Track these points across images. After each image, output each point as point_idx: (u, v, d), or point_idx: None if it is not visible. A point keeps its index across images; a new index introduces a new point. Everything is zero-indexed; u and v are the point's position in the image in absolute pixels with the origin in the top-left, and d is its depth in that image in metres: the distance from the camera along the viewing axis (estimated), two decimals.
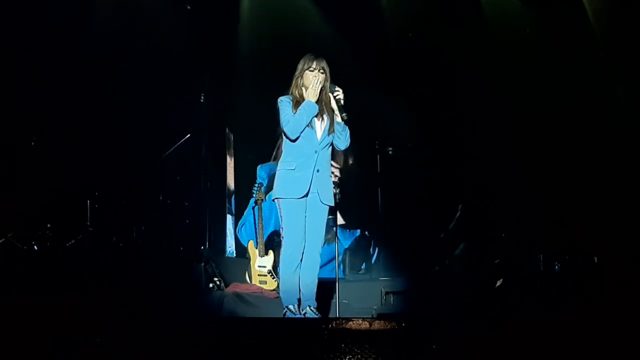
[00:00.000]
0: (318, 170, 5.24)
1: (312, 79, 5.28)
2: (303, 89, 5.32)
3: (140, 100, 8.09)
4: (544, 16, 8.75)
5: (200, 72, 8.50)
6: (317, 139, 5.28)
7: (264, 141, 8.04)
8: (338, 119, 5.30)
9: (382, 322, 4.10)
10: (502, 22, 8.89)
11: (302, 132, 5.23)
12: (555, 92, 8.51)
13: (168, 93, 8.26)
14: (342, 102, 5.30)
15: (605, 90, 8.57)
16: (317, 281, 5.29)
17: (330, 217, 5.73)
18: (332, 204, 5.34)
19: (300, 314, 5.20)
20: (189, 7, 8.51)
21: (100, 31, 8.10)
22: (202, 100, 8.24)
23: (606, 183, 7.97)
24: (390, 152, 8.48)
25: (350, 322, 4.10)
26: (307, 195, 5.22)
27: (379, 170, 8.36)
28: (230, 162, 8.47)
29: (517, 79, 8.58)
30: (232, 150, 8.48)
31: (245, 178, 8.42)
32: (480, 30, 8.82)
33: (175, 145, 8.06)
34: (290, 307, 5.19)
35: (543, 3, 8.71)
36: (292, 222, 5.23)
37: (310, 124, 5.25)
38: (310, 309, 5.20)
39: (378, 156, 8.38)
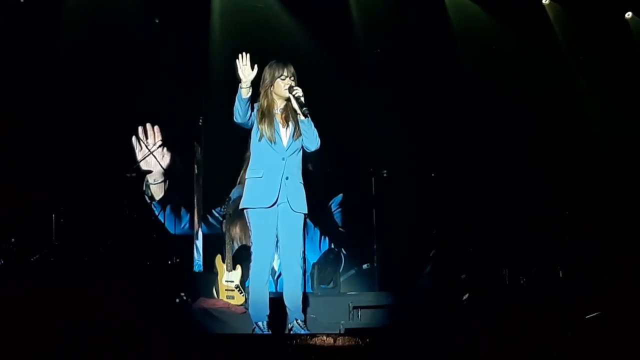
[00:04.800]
0: (287, 178, 5.10)
1: (284, 87, 5.10)
2: (275, 97, 5.17)
3: (109, 113, 8.04)
4: (512, 28, 8.87)
5: (171, 85, 8.46)
6: (283, 146, 5.13)
7: (234, 154, 8.03)
8: (302, 117, 5.10)
9: (346, 337, 4.10)
10: (471, 35, 8.99)
11: (242, 116, 5.03)
12: (524, 105, 8.61)
13: (138, 106, 8.23)
14: (302, 99, 5.08)
15: (575, 100, 8.69)
16: (301, 293, 5.18)
17: None
18: (305, 212, 5.18)
19: (269, 331, 5.12)
20: (157, 21, 8.48)
21: (67, 45, 8.06)
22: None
23: (571, 198, 8.07)
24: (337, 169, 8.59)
25: (315, 338, 4.09)
26: (276, 204, 5.09)
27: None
28: (198, 175, 8.44)
29: (488, 90, 8.67)
30: (201, 163, 8.46)
31: (214, 192, 8.42)
32: (448, 44, 8.91)
33: (143, 159, 8.03)
34: (260, 324, 5.09)
35: (508, 13, 8.81)
36: (261, 233, 5.10)
37: (273, 132, 5.09)
38: (298, 323, 5.07)
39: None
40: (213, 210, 8.57)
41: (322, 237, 8.75)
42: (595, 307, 5.70)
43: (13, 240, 7.19)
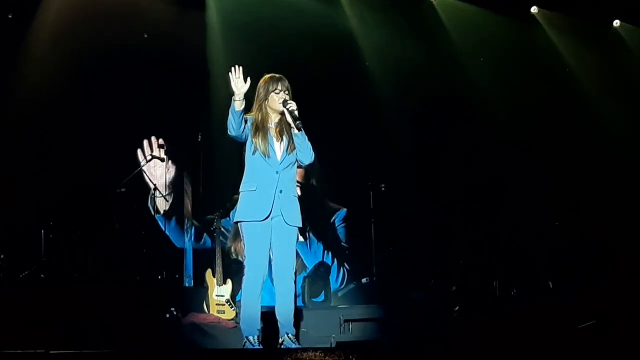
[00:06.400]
0: (281, 191, 5.12)
1: (279, 101, 5.13)
2: (269, 111, 5.19)
3: (100, 130, 8.03)
4: (507, 32, 8.94)
5: (164, 103, 8.45)
6: (277, 159, 5.15)
7: (226, 171, 8.00)
8: (295, 131, 5.12)
9: (336, 353, 4.09)
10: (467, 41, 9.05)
11: (236, 129, 5.04)
12: (523, 110, 8.66)
13: (128, 122, 8.22)
14: (296, 113, 5.11)
15: (573, 103, 8.75)
16: (293, 308, 5.16)
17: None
18: (299, 225, 5.19)
19: (260, 345, 5.09)
20: (146, 36, 8.46)
21: (61, 64, 8.06)
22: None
23: (559, 211, 8.11)
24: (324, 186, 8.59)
25: (304, 354, 4.08)
26: (269, 217, 5.10)
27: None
28: (187, 190, 8.42)
29: (487, 97, 8.72)
30: (190, 178, 8.45)
31: (203, 207, 8.41)
32: (447, 52, 8.96)
33: (132, 174, 8.02)
34: (250, 338, 5.07)
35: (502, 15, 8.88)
36: (254, 246, 5.10)
37: (267, 146, 5.11)
38: (288, 337, 5.07)
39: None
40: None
41: (325, 252, 8.73)
42: (589, 314, 5.73)
43: (2, 256, 7.17)
